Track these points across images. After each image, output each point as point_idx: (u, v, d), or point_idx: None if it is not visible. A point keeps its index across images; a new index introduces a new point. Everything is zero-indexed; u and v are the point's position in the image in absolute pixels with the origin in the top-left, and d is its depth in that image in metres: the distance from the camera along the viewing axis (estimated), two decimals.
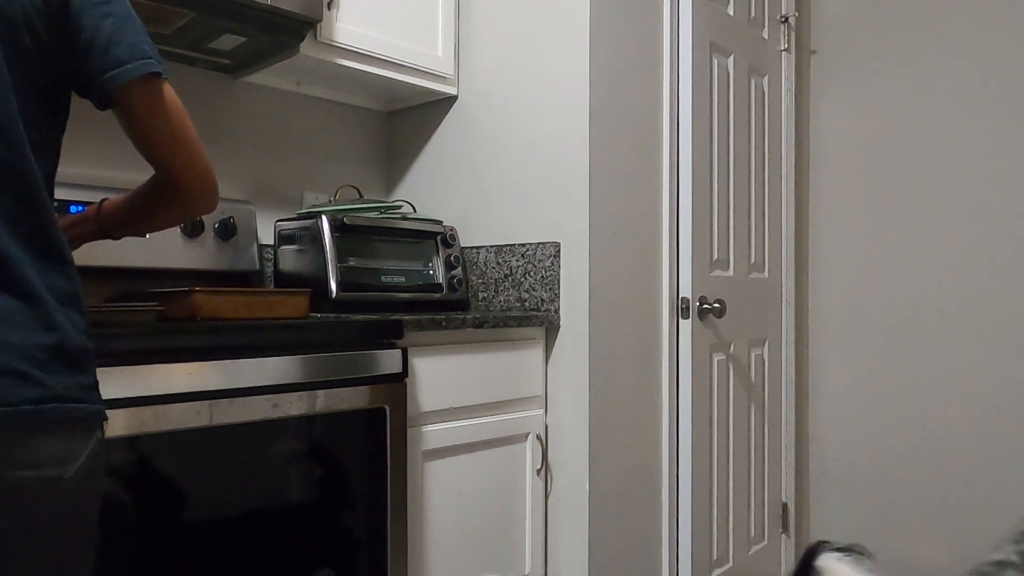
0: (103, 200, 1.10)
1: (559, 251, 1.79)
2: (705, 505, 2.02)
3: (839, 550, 0.81)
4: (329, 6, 1.75)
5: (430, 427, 1.57)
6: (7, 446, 0.72)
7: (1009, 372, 2.14)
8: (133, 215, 1.05)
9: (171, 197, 0.98)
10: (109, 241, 1.12)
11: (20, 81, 0.79)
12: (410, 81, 1.96)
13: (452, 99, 2.09)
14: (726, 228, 2.13)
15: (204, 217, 1.78)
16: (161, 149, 0.93)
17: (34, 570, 0.77)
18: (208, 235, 1.79)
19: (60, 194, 1.57)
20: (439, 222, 1.97)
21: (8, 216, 0.76)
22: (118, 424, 1.07)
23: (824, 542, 0.82)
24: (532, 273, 1.85)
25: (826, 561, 0.78)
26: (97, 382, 0.82)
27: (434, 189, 2.16)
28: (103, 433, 0.83)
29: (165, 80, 0.91)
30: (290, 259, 1.84)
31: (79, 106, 0.93)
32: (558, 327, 1.80)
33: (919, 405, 2.31)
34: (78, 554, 0.82)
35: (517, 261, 1.89)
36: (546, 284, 1.82)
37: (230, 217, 1.82)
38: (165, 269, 1.71)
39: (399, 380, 1.44)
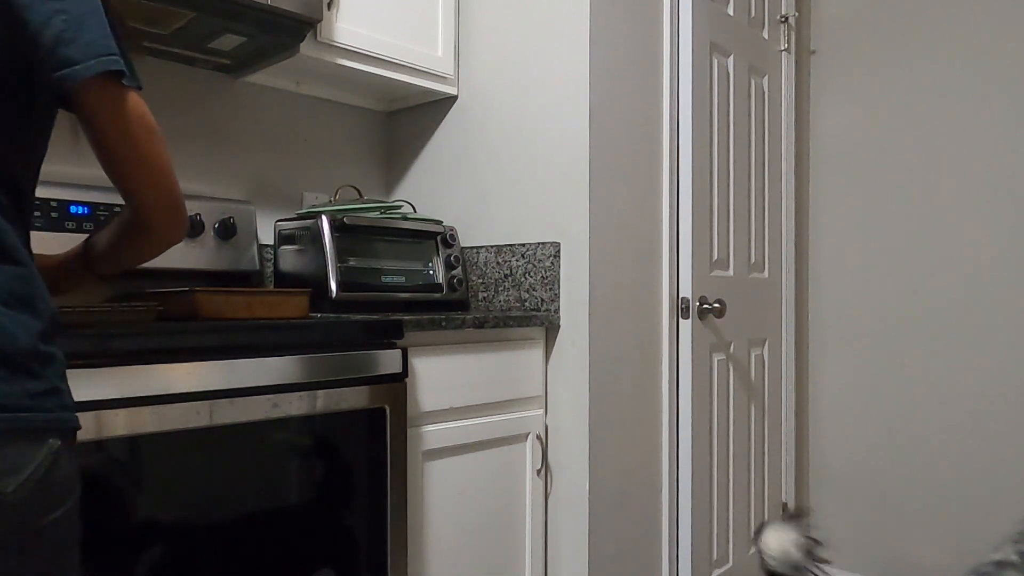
0: (89, 235, 1.02)
1: (559, 251, 1.79)
2: (705, 505, 2.02)
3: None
4: (329, 6, 1.75)
5: (430, 427, 1.57)
6: None
7: (1009, 372, 2.14)
8: (110, 249, 0.96)
9: (134, 225, 0.88)
10: None
11: None
12: (410, 81, 1.97)
13: (452, 99, 2.09)
14: (726, 228, 2.13)
15: (204, 217, 1.78)
16: (120, 165, 0.82)
17: None
18: (208, 235, 1.79)
19: (61, 194, 1.57)
20: (439, 222, 1.97)
21: None
22: (118, 424, 1.07)
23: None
24: (532, 273, 1.85)
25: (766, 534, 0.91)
26: (57, 388, 0.74)
27: (434, 189, 2.16)
28: (64, 442, 0.74)
29: (132, 89, 0.81)
30: (290, 259, 1.84)
31: None
32: (558, 327, 1.80)
33: (919, 405, 2.31)
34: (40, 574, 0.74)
35: (517, 261, 1.89)
36: (546, 284, 1.82)
37: (230, 217, 1.82)
38: (165, 269, 1.71)
39: (399, 380, 1.44)
